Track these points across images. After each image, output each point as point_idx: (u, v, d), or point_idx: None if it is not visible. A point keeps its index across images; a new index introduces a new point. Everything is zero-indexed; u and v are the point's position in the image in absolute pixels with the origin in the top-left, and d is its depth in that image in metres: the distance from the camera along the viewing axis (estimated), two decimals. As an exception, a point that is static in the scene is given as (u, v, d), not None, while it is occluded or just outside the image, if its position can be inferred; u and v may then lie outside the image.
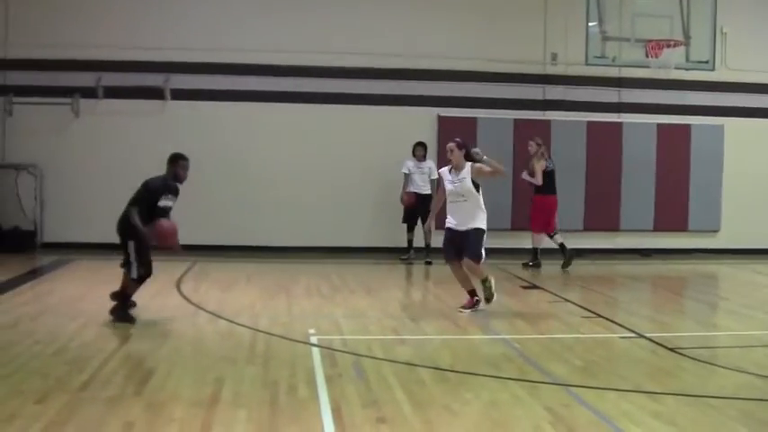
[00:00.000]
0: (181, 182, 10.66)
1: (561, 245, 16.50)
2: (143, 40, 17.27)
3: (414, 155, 17.03)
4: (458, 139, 11.45)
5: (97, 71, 17.28)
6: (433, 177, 16.55)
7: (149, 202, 10.36)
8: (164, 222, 10.30)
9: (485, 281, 11.34)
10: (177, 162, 10.67)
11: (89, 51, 17.08)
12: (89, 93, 17.30)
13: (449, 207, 11.46)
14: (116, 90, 17.34)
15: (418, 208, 16.54)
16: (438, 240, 16.75)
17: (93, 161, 17.44)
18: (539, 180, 16.33)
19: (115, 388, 7.33)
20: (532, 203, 16.59)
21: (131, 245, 10.31)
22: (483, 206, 11.25)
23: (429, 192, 16.66)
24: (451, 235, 11.34)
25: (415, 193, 16.83)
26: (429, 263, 16.48)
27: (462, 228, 11.20)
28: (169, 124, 17.55)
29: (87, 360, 8.23)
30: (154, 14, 17.54)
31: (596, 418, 6.74)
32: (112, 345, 8.95)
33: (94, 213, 17.14)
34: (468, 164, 11.21)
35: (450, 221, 11.35)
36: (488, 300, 11.39)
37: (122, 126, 17.51)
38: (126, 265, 10.43)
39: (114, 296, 10.50)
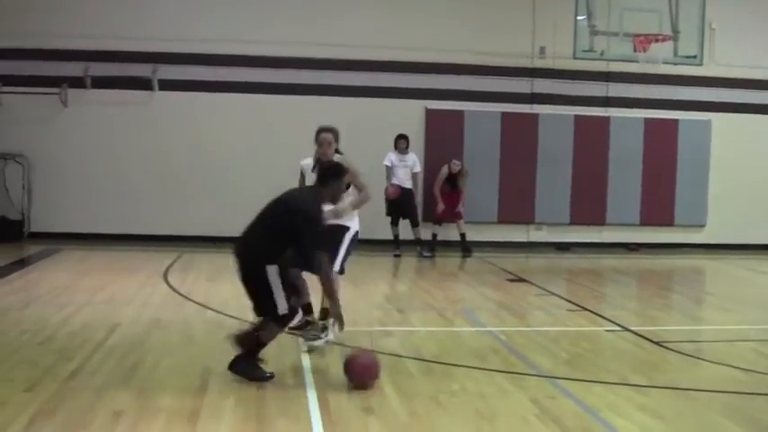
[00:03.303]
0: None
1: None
2: (131, 30, 17.18)
3: (396, 147, 16.81)
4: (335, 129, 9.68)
5: (85, 61, 17.18)
6: (415, 171, 16.61)
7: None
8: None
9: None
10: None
11: (76, 41, 16.96)
12: (77, 83, 17.21)
13: None
14: (104, 80, 17.27)
15: (402, 202, 16.52)
16: (427, 233, 16.96)
17: (80, 151, 17.37)
18: None
19: (103, 377, 7.35)
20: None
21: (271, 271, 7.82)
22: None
23: (410, 186, 16.65)
24: None
25: (399, 185, 16.51)
26: (425, 256, 16.41)
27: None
28: (157, 115, 17.53)
29: (75, 349, 8.26)
30: (142, 4, 17.46)
31: (582, 410, 6.78)
32: (100, 334, 8.94)
33: (82, 203, 17.22)
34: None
35: None
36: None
37: (110, 116, 17.45)
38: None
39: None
